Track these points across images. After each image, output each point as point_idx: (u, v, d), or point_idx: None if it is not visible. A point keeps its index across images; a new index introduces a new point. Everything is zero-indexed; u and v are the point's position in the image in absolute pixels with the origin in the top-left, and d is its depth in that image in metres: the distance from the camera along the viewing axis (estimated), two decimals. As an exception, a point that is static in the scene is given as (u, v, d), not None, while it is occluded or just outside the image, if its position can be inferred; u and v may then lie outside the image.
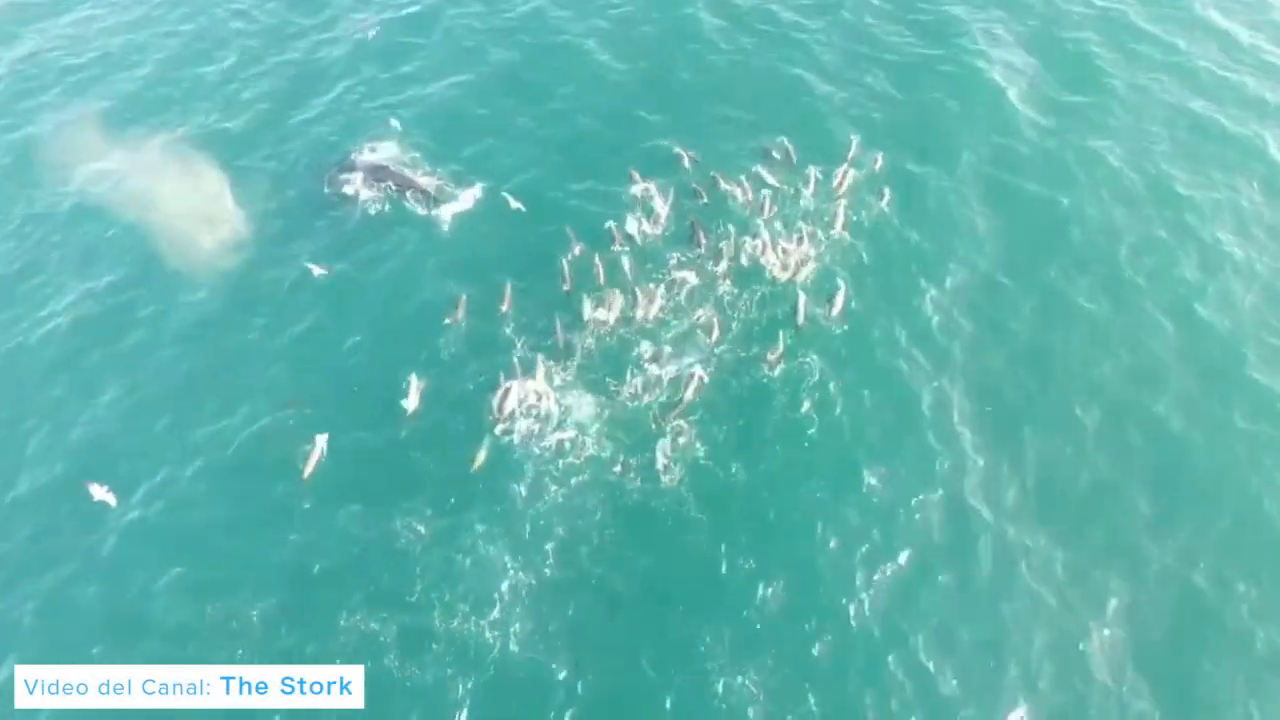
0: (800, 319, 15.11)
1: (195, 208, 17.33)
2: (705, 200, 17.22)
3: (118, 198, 17.74)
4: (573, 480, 13.23)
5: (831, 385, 14.37)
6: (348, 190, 17.54)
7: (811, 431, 13.90)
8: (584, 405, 14.06)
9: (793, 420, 14.02)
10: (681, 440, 13.64)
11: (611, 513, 12.97)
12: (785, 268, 15.87)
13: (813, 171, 17.45)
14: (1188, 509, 13.31)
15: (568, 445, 13.55)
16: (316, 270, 16.10)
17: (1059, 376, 14.83)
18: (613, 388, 14.31)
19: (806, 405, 14.15)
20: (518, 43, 21.24)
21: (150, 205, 17.37)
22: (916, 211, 17.26)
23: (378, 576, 12.39)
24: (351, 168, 17.84)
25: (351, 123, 19.34)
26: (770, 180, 17.46)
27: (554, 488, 13.15)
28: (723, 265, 15.92)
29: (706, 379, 14.26)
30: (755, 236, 16.31)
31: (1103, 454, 13.89)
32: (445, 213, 17.17)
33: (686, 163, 17.91)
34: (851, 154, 17.91)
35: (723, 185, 17.38)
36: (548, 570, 12.45)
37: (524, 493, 13.09)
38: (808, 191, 17.22)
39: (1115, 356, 15.04)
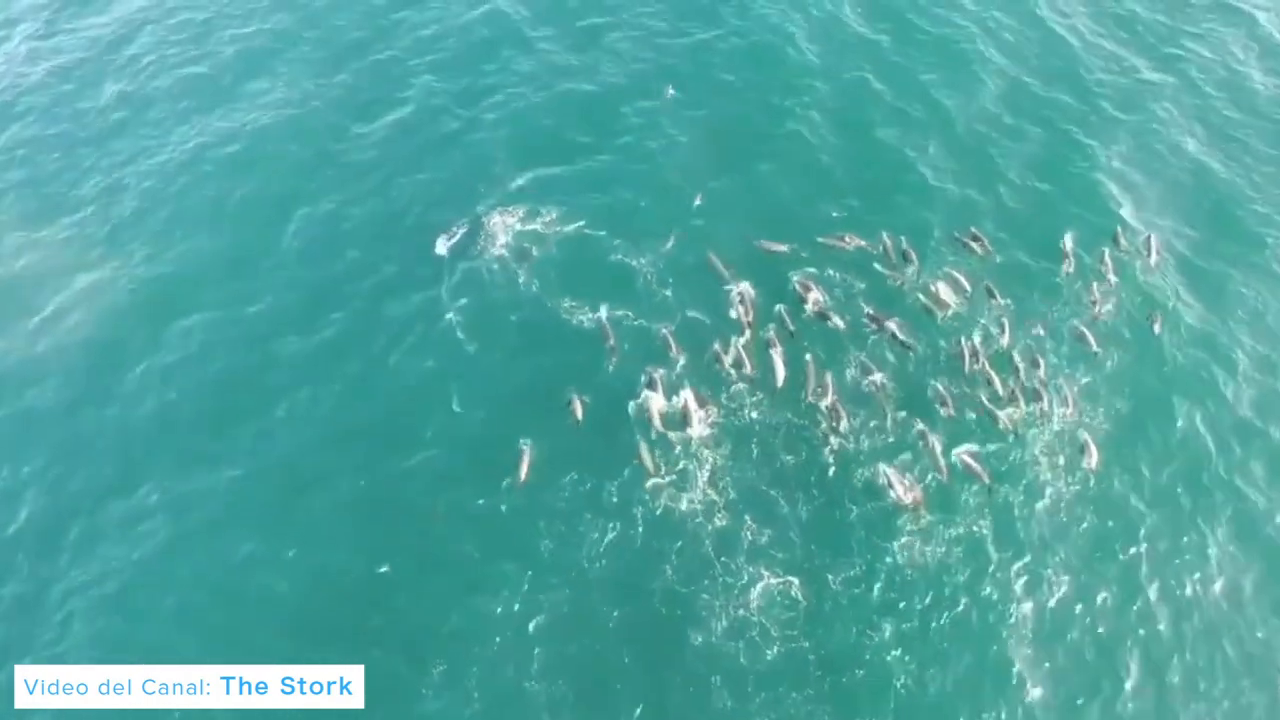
0: (1091, 463, 12.71)
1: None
2: (900, 281, 14.71)
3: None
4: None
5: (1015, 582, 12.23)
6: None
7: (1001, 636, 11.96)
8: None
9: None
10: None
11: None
12: (1010, 404, 13.22)
13: (1068, 248, 14.30)
14: None
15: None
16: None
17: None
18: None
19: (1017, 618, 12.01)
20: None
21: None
22: (1208, 335, 14.03)
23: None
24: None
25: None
26: (965, 283, 14.51)
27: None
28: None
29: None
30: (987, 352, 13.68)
31: None
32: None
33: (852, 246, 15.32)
34: (1123, 246, 14.69)
35: (912, 258, 14.83)
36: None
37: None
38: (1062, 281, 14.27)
39: None
